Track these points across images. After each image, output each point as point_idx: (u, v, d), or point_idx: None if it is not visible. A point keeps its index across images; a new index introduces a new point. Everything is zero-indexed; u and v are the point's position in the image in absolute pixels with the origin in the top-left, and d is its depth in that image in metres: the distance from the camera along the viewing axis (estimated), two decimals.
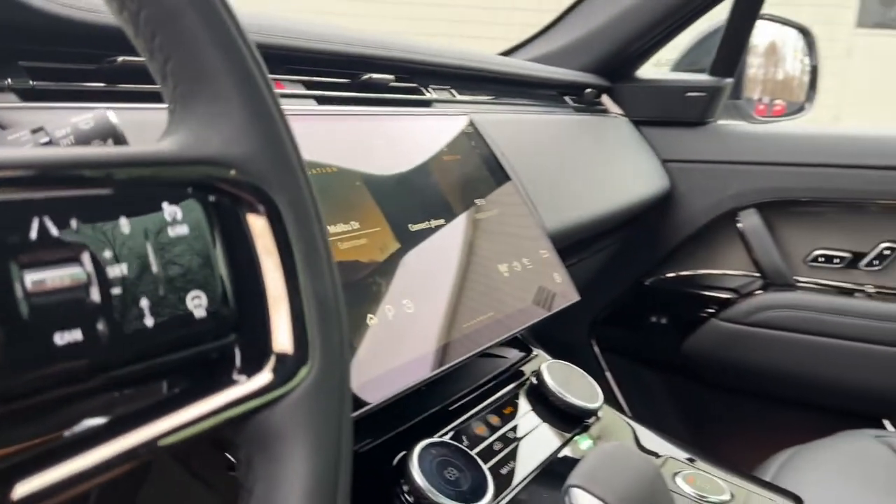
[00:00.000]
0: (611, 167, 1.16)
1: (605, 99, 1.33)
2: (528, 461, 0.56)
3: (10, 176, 0.23)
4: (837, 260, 1.25)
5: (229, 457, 0.49)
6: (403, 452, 0.49)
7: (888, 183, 1.19)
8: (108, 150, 0.26)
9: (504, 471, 0.54)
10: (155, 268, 0.26)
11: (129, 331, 0.25)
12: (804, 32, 1.46)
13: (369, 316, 0.49)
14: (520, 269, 0.66)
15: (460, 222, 0.62)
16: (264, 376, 0.27)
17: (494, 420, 0.59)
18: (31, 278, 0.23)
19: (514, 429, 0.59)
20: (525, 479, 0.54)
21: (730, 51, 1.32)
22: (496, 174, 0.72)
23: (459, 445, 0.51)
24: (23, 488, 0.22)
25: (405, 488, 0.46)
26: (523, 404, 0.63)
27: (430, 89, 0.84)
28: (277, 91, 0.56)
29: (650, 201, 1.23)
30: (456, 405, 0.59)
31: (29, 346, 0.22)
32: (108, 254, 0.25)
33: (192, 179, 0.27)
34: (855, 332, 1.20)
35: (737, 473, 0.64)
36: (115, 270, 0.25)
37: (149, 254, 0.26)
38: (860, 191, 1.21)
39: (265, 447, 0.27)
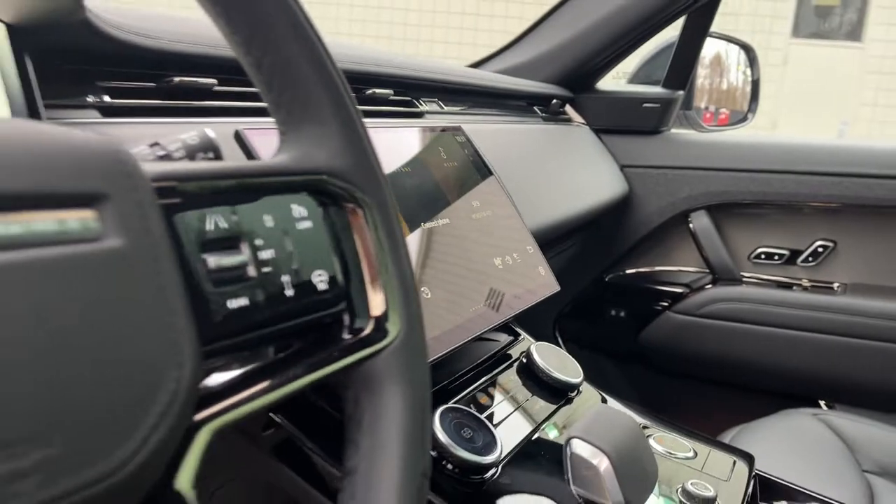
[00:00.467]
0: (575, 172, 1.26)
1: (569, 109, 1.44)
2: (525, 424, 0.65)
3: (193, 188, 0.32)
4: (777, 257, 1.38)
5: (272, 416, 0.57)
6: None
7: (820, 187, 1.32)
8: (251, 164, 0.35)
9: (507, 431, 0.63)
10: (291, 252, 0.34)
11: (276, 299, 0.33)
12: (747, 49, 1.60)
13: None
14: (511, 262, 0.75)
15: (461, 221, 0.71)
16: (366, 335, 0.36)
17: (494, 391, 0.68)
18: (212, 260, 0.31)
19: (511, 399, 0.68)
20: (525, 437, 0.63)
21: (681, 66, 1.44)
22: (486, 179, 0.81)
23: (470, 410, 0.60)
24: (205, 412, 0.30)
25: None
26: (516, 379, 0.72)
27: (421, 101, 0.93)
28: None
29: (610, 204, 1.34)
30: (462, 379, 0.67)
31: (213, 309, 0.31)
32: (259, 242, 0.33)
33: (307, 186, 0.36)
34: (793, 322, 1.33)
35: (696, 437, 0.74)
36: (265, 254, 0.33)
37: (286, 242, 0.34)
38: (797, 194, 1.34)
39: (369, 388, 0.35)
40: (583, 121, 1.43)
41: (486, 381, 0.69)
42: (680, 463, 0.68)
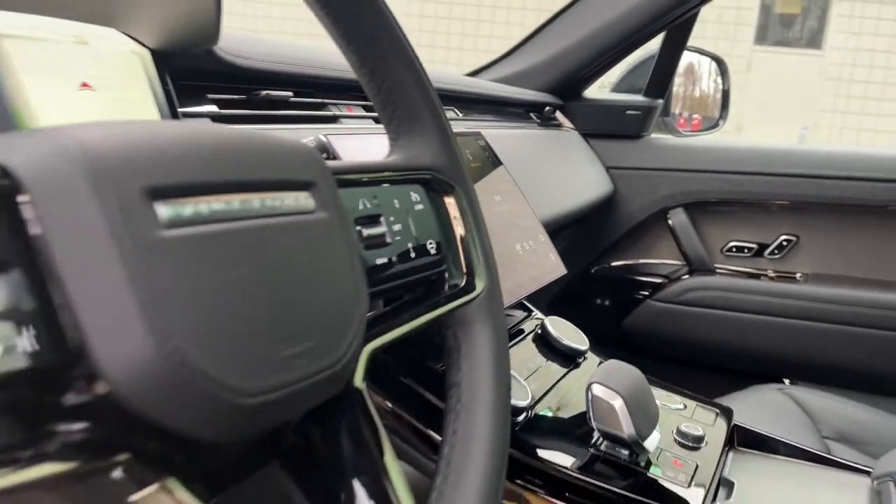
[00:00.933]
0: (566, 173, 1.40)
1: (559, 115, 1.57)
2: (544, 380, 0.78)
3: (351, 178, 0.44)
4: (747, 250, 1.53)
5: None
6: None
7: (784, 187, 1.47)
8: (380, 162, 0.47)
9: (531, 385, 0.76)
10: (412, 227, 0.47)
11: (405, 260, 0.46)
12: (718, 62, 1.75)
13: None
14: (528, 248, 0.88)
15: (487, 213, 0.84)
16: (461, 288, 0.49)
17: (515, 356, 0.81)
18: (364, 231, 0.44)
19: (531, 361, 0.82)
20: (548, 389, 0.76)
21: (661, 77, 1.59)
22: (503, 177, 0.94)
23: None
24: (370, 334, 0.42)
25: None
26: (533, 347, 0.86)
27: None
28: (347, 113, 0.79)
29: (597, 202, 1.48)
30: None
31: (366, 267, 0.43)
32: (391, 218, 0.46)
33: (419, 179, 0.49)
34: (761, 308, 1.48)
35: (683, 395, 0.88)
36: (395, 227, 0.46)
37: (408, 219, 0.47)
38: (764, 193, 1.49)
39: (464, 327, 0.48)
40: (572, 126, 1.57)
41: (509, 346, 0.82)
42: (673, 411, 0.81)
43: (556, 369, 0.83)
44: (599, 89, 1.64)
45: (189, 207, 0.30)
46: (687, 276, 1.55)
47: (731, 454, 0.82)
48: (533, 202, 1.14)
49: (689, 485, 0.68)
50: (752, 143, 1.61)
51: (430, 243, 0.48)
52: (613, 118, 1.58)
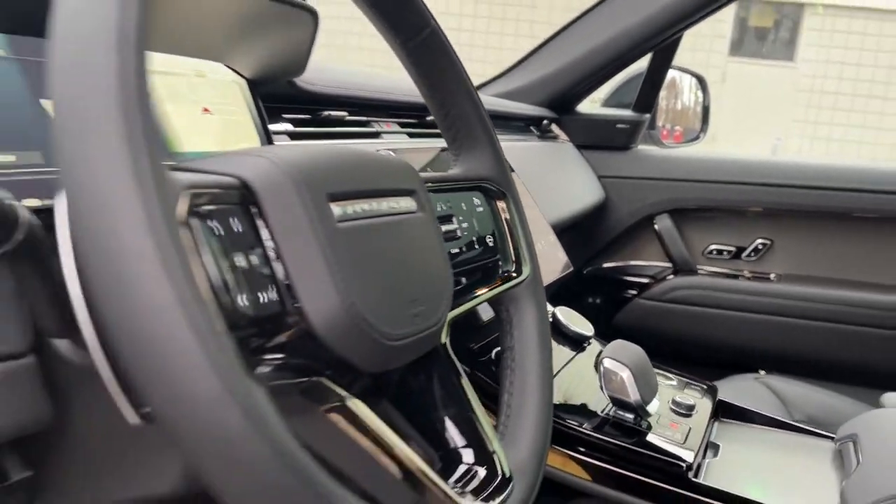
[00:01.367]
0: (562, 182, 1.54)
1: (555, 128, 1.71)
2: (558, 360, 0.92)
3: (432, 186, 0.57)
4: (726, 252, 1.68)
5: None
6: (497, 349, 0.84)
7: (760, 195, 1.61)
8: (448, 174, 0.60)
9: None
10: (475, 224, 0.60)
11: (471, 250, 0.59)
12: (699, 79, 1.90)
13: None
14: (540, 248, 1.02)
15: None
16: (510, 274, 0.62)
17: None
18: (442, 227, 0.56)
19: None
20: (561, 367, 0.90)
21: (648, 93, 1.73)
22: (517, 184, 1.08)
23: None
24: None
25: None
26: None
27: None
28: (386, 129, 0.93)
29: (590, 208, 1.62)
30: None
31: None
32: (461, 217, 0.59)
33: (479, 187, 0.62)
34: (738, 305, 1.62)
35: (674, 374, 1.02)
36: (464, 224, 0.59)
37: (473, 218, 0.60)
38: (741, 201, 1.63)
39: (515, 304, 0.61)
40: (567, 138, 1.71)
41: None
42: (667, 386, 0.95)
43: (566, 352, 0.96)
44: (591, 104, 1.78)
45: (349, 208, 0.43)
46: (672, 277, 1.69)
47: (716, 423, 0.96)
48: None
49: (683, 444, 0.81)
50: (731, 155, 1.75)
51: (489, 237, 0.61)
52: (605, 131, 1.72)
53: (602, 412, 0.83)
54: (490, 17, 9.51)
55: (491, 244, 0.61)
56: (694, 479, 0.77)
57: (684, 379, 1.01)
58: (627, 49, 1.56)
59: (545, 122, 1.63)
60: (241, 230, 0.38)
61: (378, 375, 0.50)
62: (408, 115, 1.02)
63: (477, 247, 0.59)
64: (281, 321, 0.40)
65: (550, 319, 1.01)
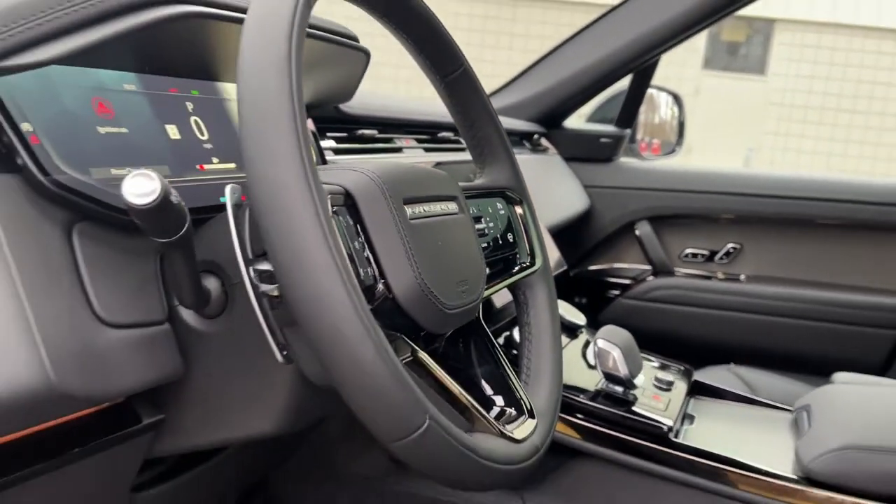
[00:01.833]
0: (551, 191, 1.69)
1: (544, 141, 1.86)
2: None
3: (470, 194, 0.71)
4: (700, 256, 1.84)
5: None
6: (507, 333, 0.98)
7: (731, 204, 1.78)
8: (478, 183, 0.75)
9: None
10: (499, 224, 0.74)
11: (496, 245, 0.73)
12: (675, 97, 2.06)
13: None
14: None
15: None
16: (526, 264, 0.77)
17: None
18: (475, 226, 0.71)
19: None
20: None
21: (628, 110, 1.89)
22: None
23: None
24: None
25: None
26: None
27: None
28: (406, 145, 1.09)
29: (576, 215, 1.77)
30: (509, 320, 1.07)
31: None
32: (487, 218, 0.73)
33: (500, 194, 0.76)
34: (712, 303, 1.78)
35: (656, 356, 1.17)
36: (490, 224, 0.73)
37: (497, 219, 0.74)
38: (714, 209, 1.80)
39: (530, 289, 0.76)
40: (555, 151, 1.86)
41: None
42: (650, 367, 1.10)
43: (563, 339, 1.10)
44: (577, 120, 1.94)
45: (417, 208, 0.58)
46: (651, 278, 1.85)
47: (691, 399, 1.11)
48: None
49: (664, 412, 0.96)
50: (704, 167, 1.92)
51: (509, 235, 0.76)
52: (590, 145, 1.87)
53: (595, 386, 0.98)
54: (470, 30, 9.71)
55: (511, 240, 0.76)
56: (673, 439, 0.92)
57: (664, 361, 1.16)
58: (610, 70, 1.71)
59: (536, 136, 1.78)
60: (349, 224, 0.53)
61: (436, 337, 0.64)
62: (424, 133, 1.17)
63: (500, 242, 0.74)
64: (374, 291, 0.54)
65: None
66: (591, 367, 1.00)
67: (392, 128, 1.08)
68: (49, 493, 0.59)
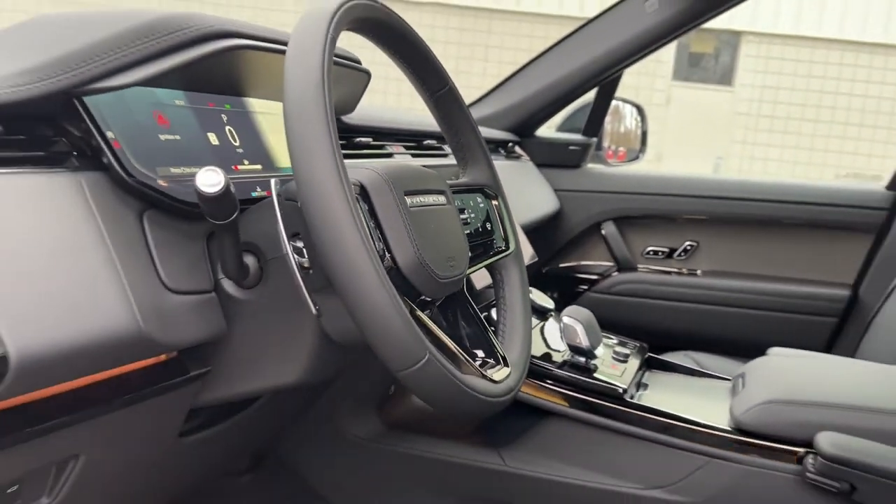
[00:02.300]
0: (524, 195, 1.84)
1: (518, 149, 2.03)
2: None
3: (455, 190, 0.87)
4: (661, 253, 2.01)
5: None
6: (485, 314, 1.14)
7: (688, 206, 1.95)
8: (461, 181, 0.90)
9: None
10: (479, 215, 0.90)
11: (476, 232, 0.89)
12: (639, 108, 2.24)
13: None
14: None
15: None
16: (501, 248, 0.92)
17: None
18: (461, 216, 0.87)
19: None
20: (532, 328, 1.20)
21: (595, 120, 2.06)
22: None
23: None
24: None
25: None
26: None
27: (444, 147, 1.49)
28: (396, 150, 1.27)
29: (547, 217, 1.93)
30: (487, 302, 1.23)
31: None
32: (469, 210, 0.89)
33: (480, 190, 0.92)
34: (671, 296, 1.95)
35: (615, 335, 1.33)
36: (472, 215, 0.89)
37: (477, 210, 0.90)
38: (673, 210, 1.97)
39: (505, 269, 0.92)
40: (528, 158, 2.02)
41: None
42: (610, 343, 1.26)
43: (535, 320, 1.26)
44: (548, 129, 2.11)
45: (415, 199, 0.73)
46: (616, 273, 2.01)
47: (646, 372, 1.28)
48: None
49: (620, 378, 1.12)
50: (665, 172, 2.09)
51: (487, 224, 0.92)
52: (559, 152, 2.04)
53: (562, 357, 1.14)
54: (447, 42, 9.90)
55: (489, 229, 0.91)
56: (627, 400, 1.08)
57: (623, 339, 1.32)
58: (577, 84, 1.88)
59: (510, 144, 1.95)
60: (364, 209, 0.68)
61: (430, 304, 0.79)
62: (410, 140, 1.33)
63: (480, 230, 0.90)
64: (383, 262, 0.69)
65: None
66: (558, 343, 1.16)
67: (384, 136, 1.23)
68: (112, 432, 0.72)
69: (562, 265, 2.08)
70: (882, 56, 10.02)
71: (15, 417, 0.59)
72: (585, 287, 2.04)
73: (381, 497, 1.20)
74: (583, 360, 1.13)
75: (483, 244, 0.91)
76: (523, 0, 10.41)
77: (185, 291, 0.71)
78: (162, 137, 0.74)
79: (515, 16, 10.38)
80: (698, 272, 1.98)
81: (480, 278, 1.10)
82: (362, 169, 0.71)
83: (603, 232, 2.02)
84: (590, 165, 2.10)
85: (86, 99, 0.66)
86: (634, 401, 1.10)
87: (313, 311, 0.68)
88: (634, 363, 1.21)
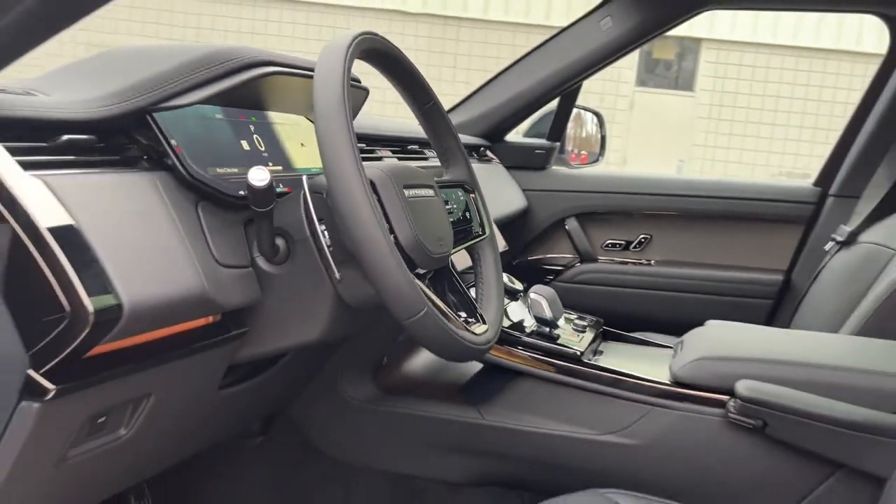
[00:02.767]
0: (495, 194, 2.05)
1: (489, 153, 2.23)
2: None
3: (440, 185, 1.08)
4: (618, 245, 2.23)
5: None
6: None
7: (642, 202, 2.17)
8: (445, 178, 1.11)
9: None
10: (459, 206, 1.11)
11: (458, 220, 1.09)
12: (598, 115, 2.46)
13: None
14: None
15: None
16: (478, 233, 1.13)
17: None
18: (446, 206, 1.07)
19: None
20: (504, 306, 1.40)
21: (557, 126, 2.28)
22: None
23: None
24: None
25: None
26: None
27: (427, 152, 1.69)
28: (384, 154, 1.49)
29: (516, 214, 2.14)
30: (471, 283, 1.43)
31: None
32: (451, 201, 1.09)
33: (460, 186, 1.13)
34: (628, 283, 2.17)
35: (575, 311, 1.54)
36: (454, 206, 1.10)
37: (458, 201, 1.10)
38: (629, 206, 2.19)
39: (482, 250, 1.12)
40: (498, 161, 2.23)
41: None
42: (570, 318, 1.47)
43: (505, 300, 1.47)
44: (515, 134, 2.32)
45: (411, 192, 0.94)
46: (579, 265, 2.23)
47: (601, 342, 1.49)
48: None
49: (578, 343, 1.33)
50: (622, 172, 2.31)
51: (467, 214, 1.12)
52: (526, 155, 2.25)
53: (530, 328, 1.34)
54: (416, 50, 10.12)
55: (468, 217, 1.12)
56: (585, 361, 1.29)
57: (582, 315, 1.53)
58: (542, 94, 2.10)
59: (482, 148, 2.16)
60: (375, 200, 0.88)
61: (422, 276, 0.99)
62: (396, 146, 1.53)
63: (461, 218, 1.10)
64: None
65: None
66: (527, 317, 1.37)
67: (374, 142, 1.43)
68: (175, 378, 0.91)
69: (530, 258, 2.29)
70: (835, 62, 10.45)
71: (112, 359, 0.78)
72: (551, 277, 2.25)
73: (376, 451, 1.39)
74: (547, 329, 1.34)
75: (464, 230, 1.11)
76: (491, 9, 10.69)
77: (231, 266, 0.90)
78: (208, 144, 0.93)
79: (484, 24, 10.65)
80: (652, 262, 2.20)
81: (461, 262, 1.30)
82: (370, 168, 0.91)
83: (566, 227, 2.23)
84: (554, 167, 2.31)
85: (156, 115, 0.85)
86: (590, 362, 1.31)
87: (337, 277, 0.88)
88: (591, 333, 1.43)
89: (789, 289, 2.06)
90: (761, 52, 10.64)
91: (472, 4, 10.69)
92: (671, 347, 1.47)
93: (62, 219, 0.70)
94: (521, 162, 2.24)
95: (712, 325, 1.49)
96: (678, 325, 2.13)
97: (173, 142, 0.85)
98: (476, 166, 2.05)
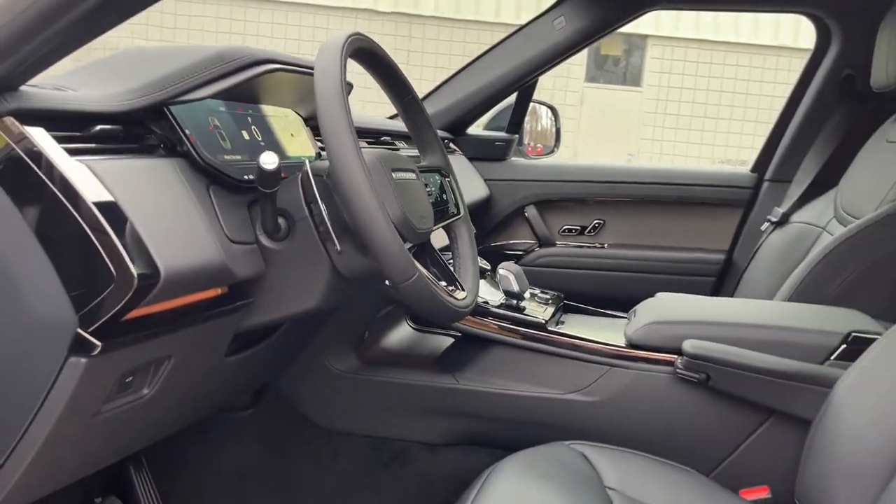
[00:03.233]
0: (461, 184, 2.18)
1: (452, 145, 2.36)
2: None
3: (420, 170, 1.20)
4: (574, 230, 2.38)
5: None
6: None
7: (595, 190, 2.33)
8: (424, 164, 1.23)
9: None
10: (437, 188, 1.23)
11: (438, 200, 1.22)
12: (552, 109, 2.61)
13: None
14: None
15: None
16: (454, 213, 1.26)
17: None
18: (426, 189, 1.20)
19: None
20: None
21: (516, 119, 2.42)
22: None
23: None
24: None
25: None
26: None
27: (398, 143, 1.81)
28: (364, 147, 1.59)
29: (479, 202, 2.27)
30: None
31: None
32: (430, 184, 1.22)
33: (437, 170, 1.26)
34: (583, 265, 2.32)
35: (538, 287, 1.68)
36: (432, 188, 1.23)
37: (436, 185, 1.23)
38: (583, 194, 2.34)
39: (458, 229, 1.26)
40: (461, 152, 2.36)
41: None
42: (534, 293, 1.62)
43: None
44: (476, 128, 2.45)
45: (397, 174, 1.06)
46: (538, 249, 2.37)
47: (563, 313, 1.64)
48: None
49: (543, 314, 1.47)
50: (576, 162, 2.47)
51: (443, 195, 1.25)
52: (487, 147, 2.39)
53: (498, 300, 1.48)
54: (396, 49, 10.19)
55: (444, 199, 1.24)
56: (548, 328, 1.43)
57: (545, 290, 1.68)
58: (500, 89, 2.24)
59: (446, 140, 2.29)
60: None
61: (412, 248, 1.11)
62: (374, 137, 1.65)
63: (438, 199, 1.23)
64: None
65: None
66: (495, 292, 1.50)
67: (365, 134, 1.55)
68: (191, 343, 1.02)
69: (492, 244, 2.43)
70: (773, 57, 10.86)
71: (143, 323, 0.88)
72: (513, 262, 2.39)
73: (360, 417, 1.51)
74: (514, 301, 1.47)
75: (441, 210, 1.24)
76: (462, 7, 10.88)
77: (239, 242, 1.01)
78: (215, 133, 1.04)
79: (455, 23, 10.83)
80: (605, 245, 2.36)
81: (438, 241, 1.43)
82: (363, 153, 1.03)
83: (526, 214, 2.37)
84: (513, 158, 2.45)
85: (172, 108, 0.96)
86: (554, 329, 1.45)
87: (337, 248, 1.00)
88: (553, 306, 1.57)
89: (731, 266, 2.24)
90: (704, 48, 11.00)
91: (444, 4, 10.93)
92: (626, 317, 1.63)
93: (105, 195, 0.80)
94: (483, 153, 2.37)
95: (662, 296, 1.65)
96: (631, 303, 2.29)
97: (187, 131, 0.96)
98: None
